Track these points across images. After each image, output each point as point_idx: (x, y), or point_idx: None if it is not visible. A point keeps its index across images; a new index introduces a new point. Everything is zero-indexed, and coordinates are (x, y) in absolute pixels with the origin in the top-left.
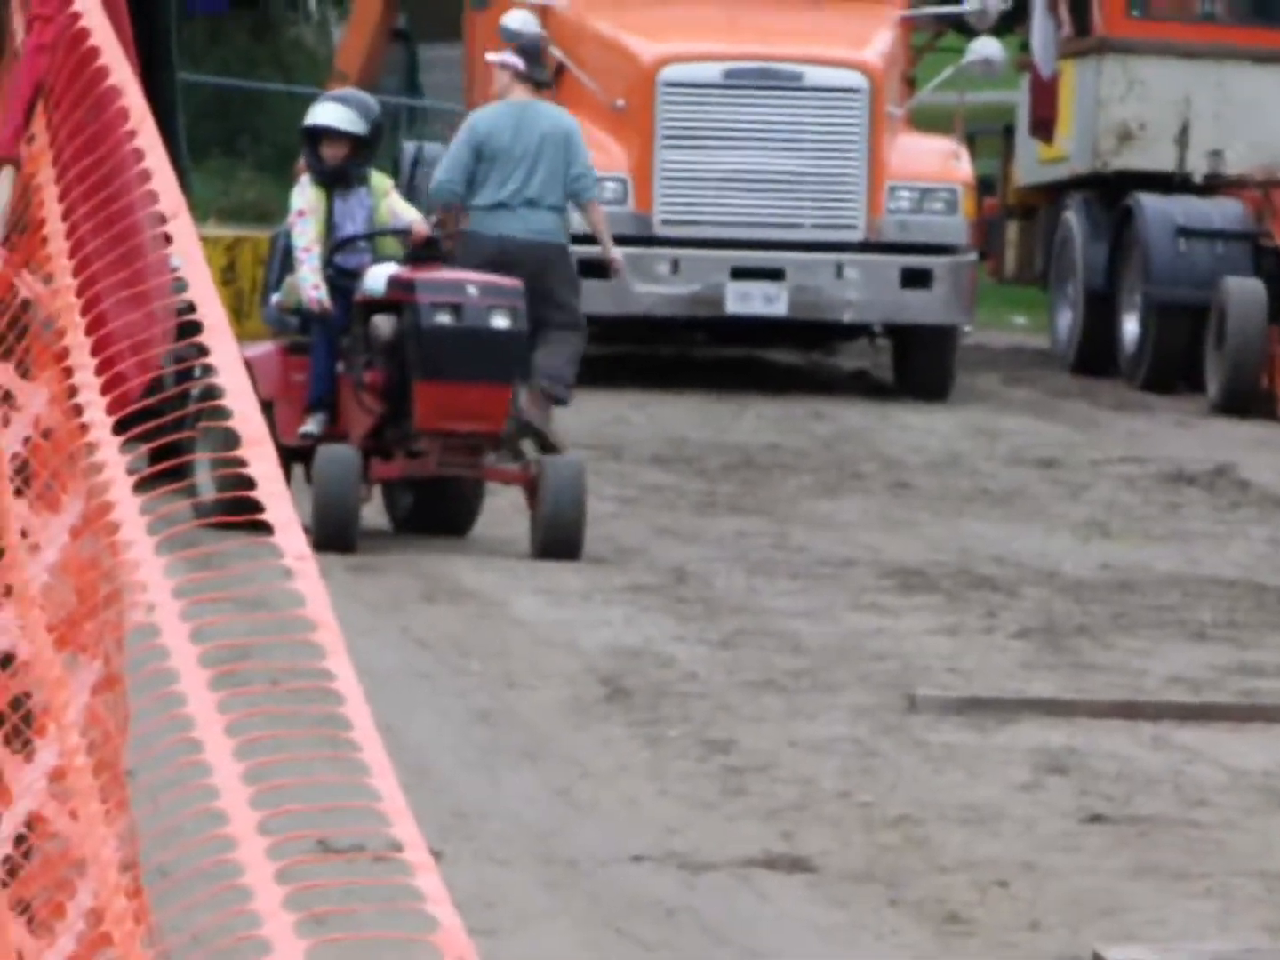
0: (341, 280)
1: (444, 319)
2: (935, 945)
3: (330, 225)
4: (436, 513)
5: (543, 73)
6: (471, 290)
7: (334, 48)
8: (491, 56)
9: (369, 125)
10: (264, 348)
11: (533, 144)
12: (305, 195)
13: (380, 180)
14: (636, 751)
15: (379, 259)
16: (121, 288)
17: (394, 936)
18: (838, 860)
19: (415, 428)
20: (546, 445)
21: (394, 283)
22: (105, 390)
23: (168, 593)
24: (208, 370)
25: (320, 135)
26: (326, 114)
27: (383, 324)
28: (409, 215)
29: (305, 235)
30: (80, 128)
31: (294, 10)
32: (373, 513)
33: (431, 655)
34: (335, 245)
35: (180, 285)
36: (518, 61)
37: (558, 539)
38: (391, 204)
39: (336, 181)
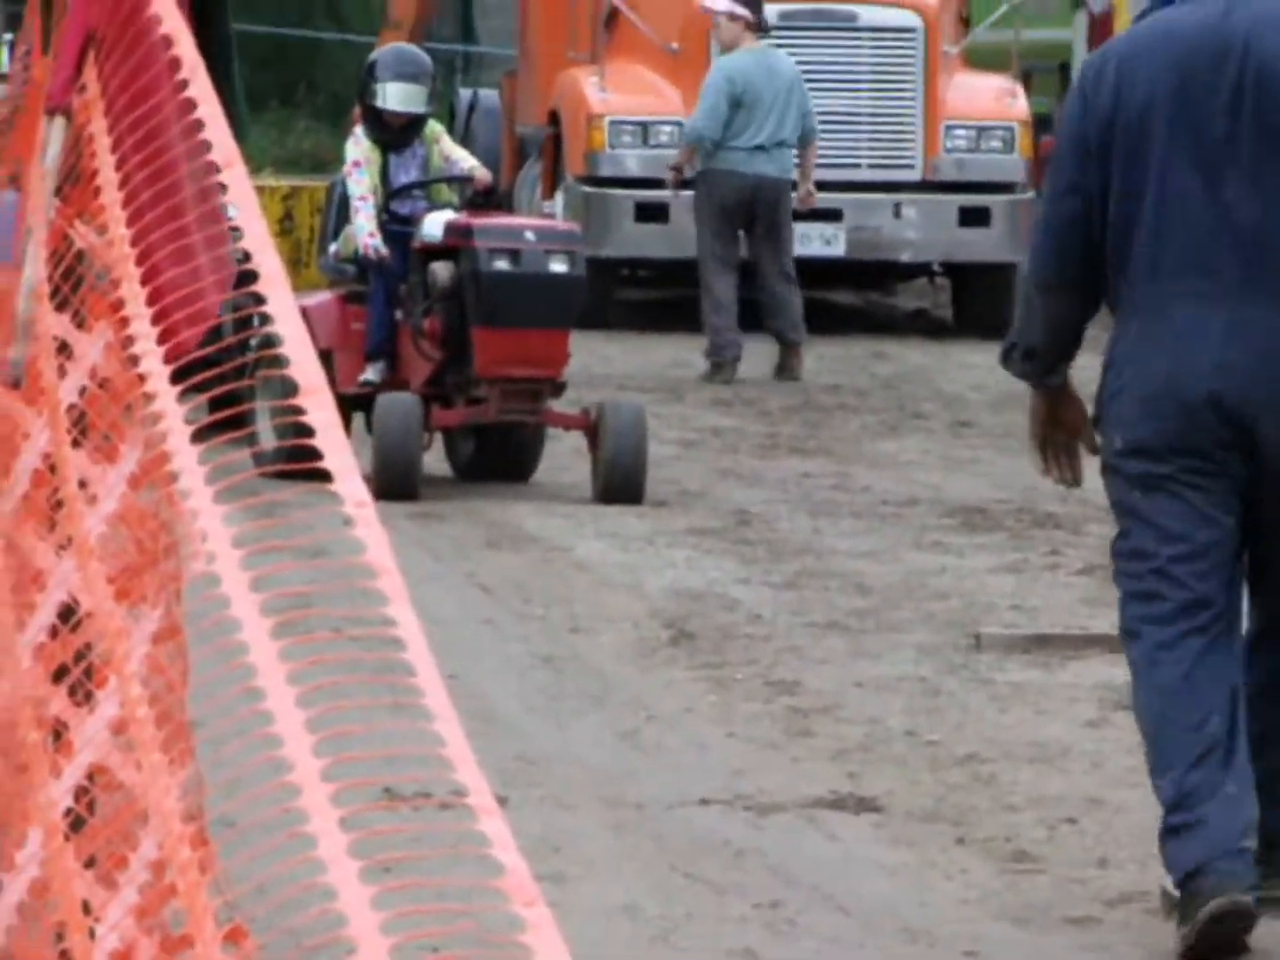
0: (397, 227)
1: (502, 264)
2: (1003, 883)
3: (385, 176)
4: (498, 459)
5: (764, 20)
6: (529, 235)
7: None
8: (719, 5)
9: (430, 94)
10: (322, 297)
11: (782, 90)
12: (360, 147)
13: (431, 127)
14: (702, 694)
15: (433, 206)
16: (172, 240)
17: (460, 883)
18: (904, 800)
19: (475, 374)
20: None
21: (451, 229)
22: (160, 342)
23: (227, 542)
24: (265, 319)
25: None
26: (402, 99)
27: (441, 270)
28: (466, 162)
29: (360, 184)
30: (131, 78)
31: None
32: (434, 460)
33: (495, 601)
34: (391, 193)
35: (236, 235)
36: (747, 13)
37: (619, 483)
38: (444, 149)
39: (394, 145)
